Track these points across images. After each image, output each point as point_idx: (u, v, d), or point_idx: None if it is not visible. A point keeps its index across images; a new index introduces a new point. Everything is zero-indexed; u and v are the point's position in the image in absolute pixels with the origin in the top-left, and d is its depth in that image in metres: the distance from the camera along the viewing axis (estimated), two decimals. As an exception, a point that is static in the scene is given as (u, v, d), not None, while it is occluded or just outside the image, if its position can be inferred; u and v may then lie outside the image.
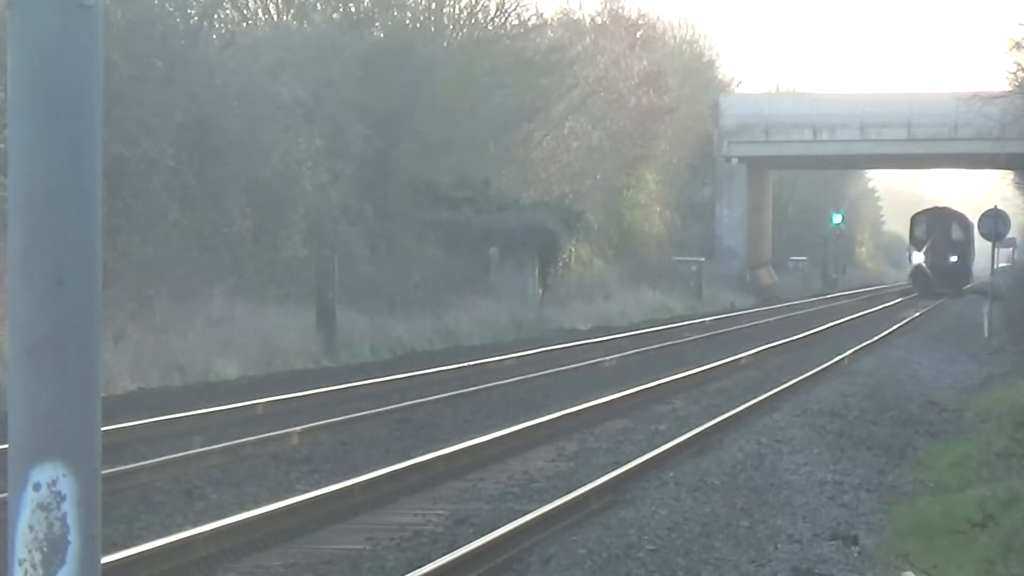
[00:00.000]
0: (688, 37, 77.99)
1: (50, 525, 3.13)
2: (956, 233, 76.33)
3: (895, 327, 44.93)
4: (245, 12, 42.01)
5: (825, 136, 68.87)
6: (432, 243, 40.32)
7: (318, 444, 17.72)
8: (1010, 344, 36.48)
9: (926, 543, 12.42)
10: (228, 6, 39.94)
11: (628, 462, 16.22)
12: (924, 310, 55.73)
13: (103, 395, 3.38)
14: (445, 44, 46.42)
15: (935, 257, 75.44)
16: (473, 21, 49.28)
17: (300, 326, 28.97)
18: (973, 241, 75.11)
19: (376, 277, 35.42)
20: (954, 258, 76.37)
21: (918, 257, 76.80)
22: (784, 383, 26.01)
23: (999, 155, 58.02)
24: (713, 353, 33.04)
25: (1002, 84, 50.83)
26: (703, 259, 62.08)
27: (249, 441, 17.01)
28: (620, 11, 65.16)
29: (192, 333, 25.71)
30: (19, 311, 3.14)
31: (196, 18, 33.81)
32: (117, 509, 12.88)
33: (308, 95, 35.39)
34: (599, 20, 64.40)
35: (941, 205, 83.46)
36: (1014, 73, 49.00)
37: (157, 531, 12.05)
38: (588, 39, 60.70)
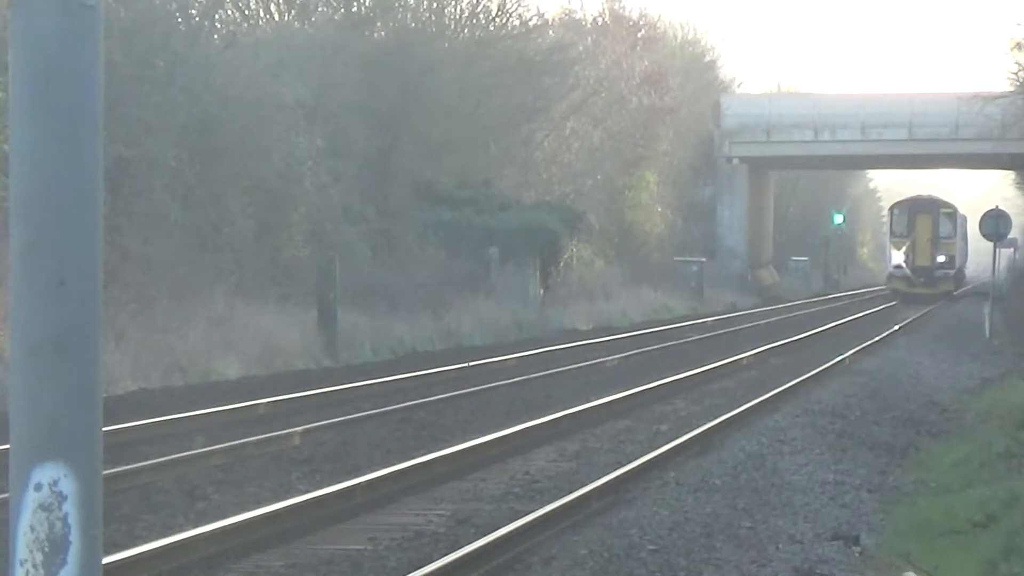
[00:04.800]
0: (689, 38, 78.06)
1: (51, 525, 3.13)
2: (944, 227, 65.93)
3: (896, 327, 44.93)
4: (246, 12, 42.00)
5: (826, 136, 68.80)
6: (433, 243, 40.33)
7: (319, 444, 17.72)
8: (1011, 345, 36.47)
9: (927, 543, 12.42)
10: (229, 6, 39.94)
11: (629, 462, 16.22)
12: (925, 311, 55.71)
13: (104, 395, 3.39)
14: (446, 44, 46.42)
15: (918, 257, 65.34)
16: (474, 21, 49.29)
17: (301, 326, 28.97)
18: (965, 237, 71.28)
19: (377, 277, 35.41)
20: (941, 258, 65.54)
21: (897, 257, 65.84)
22: (785, 383, 26.01)
23: (1000, 155, 58.03)
24: (714, 353, 33.04)
25: (1003, 84, 50.87)
26: (704, 259, 62.11)
27: (250, 441, 17.02)
28: (621, 11, 65.22)
29: (193, 333, 25.70)
30: (21, 311, 3.14)
31: (197, 18, 33.80)
32: (118, 509, 12.89)
33: (309, 95, 35.38)
34: (600, 20, 64.41)
35: (926, 194, 71.59)
36: (1015, 73, 49.01)
37: (158, 531, 12.05)
38: (589, 39, 60.72)
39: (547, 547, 11.84)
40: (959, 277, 69.95)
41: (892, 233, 66.87)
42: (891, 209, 68.89)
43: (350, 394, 22.95)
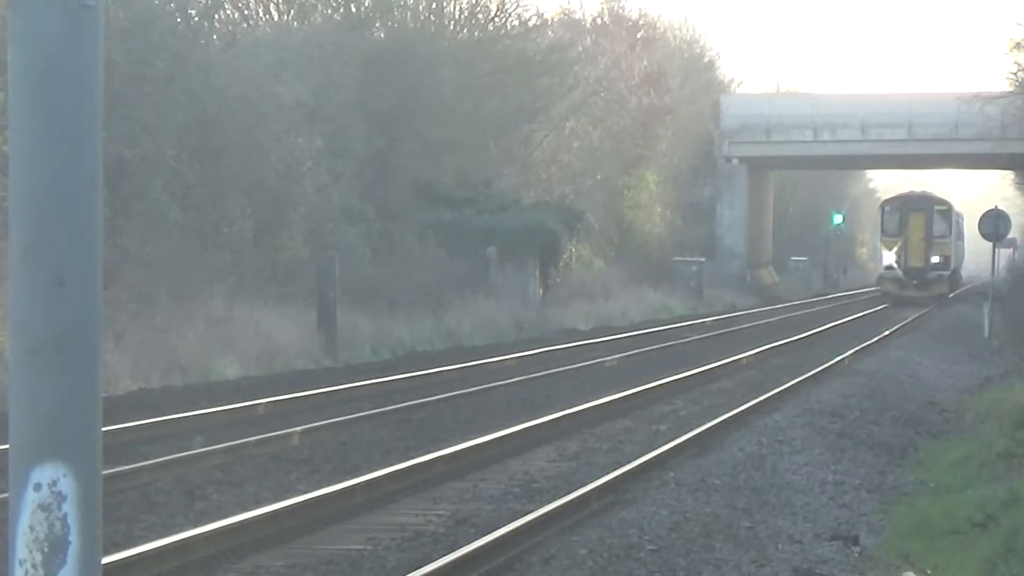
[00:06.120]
0: (689, 37, 78.04)
1: (51, 525, 3.13)
2: (938, 226, 62.08)
3: (896, 327, 44.93)
4: (246, 12, 42.01)
5: (826, 136, 68.67)
6: (433, 243, 40.32)
7: (319, 444, 17.72)
8: (1011, 345, 36.47)
9: (927, 543, 12.42)
10: (229, 6, 39.93)
11: (629, 462, 16.22)
12: (924, 311, 55.69)
13: (104, 395, 3.38)
14: (446, 44, 46.41)
15: (910, 257, 61.43)
16: (474, 21, 49.29)
17: (301, 326, 28.97)
18: (961, 236, 69.63)
19: (377, 277, 35.41)
20: (935, 258, 61.75)
21: (889, 257, 61.93)
22: (785, 383, 26.01)
23: (1000, 155, 57.99)
24: (714, 353, 33.04)
25: (1003, 84, 50.87)
26: (704, 259, 62.07)
27: (250, 441, 17.02)
28: (621, 11, 65.22)
29: (193, 333, 25.70)
30: (20, 311, 3.14)
31: (197, 18, 33.80)
32: (118, 509, 12.89)
33: (309, 95, 35.38)
34: (600, 20, 64.44)
35: (919, 190, 67.12)
36: (1015, 73, 49.03)
37: (158, 531, 12.05)
38: (589, 39, 60.73)
39: (546, 547, 11.84)
40: (954, 279, 66.55)
41: (883, 232, 63.11)
42: (882, 206, 65.22)
43: (349, 394, 22.94)
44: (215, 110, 31.52)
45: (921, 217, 62.02)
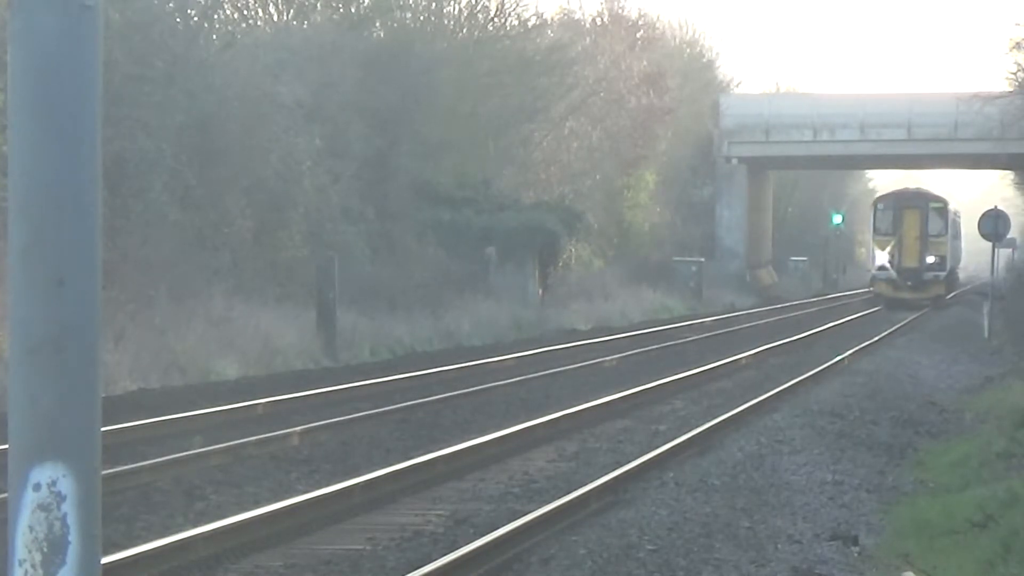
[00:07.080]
0: (688, 37, 78.03)
1: (50, 525, 3.13)
2: (933, 224, 59.09)
3: (895, 327, 44.93)
4: (245, 12, 42.00)
5: (825, 136, 68.58)
6: (432, 243, 40.32)
7: (318, 444, 17.72)
8: (1010, 345, 36.46)
9: (926, 543, 12.43)
10: (228, 6, 39.92)
11: (628, 462, 16.22)
12: (923, 311, 55.66)
13: (103, 395, 3.38)
14: (445, 44, 46.42)
15: (904, 257, 58.58)
16: (473, 21, 49.29)
17: (300, 326, 28.97)
18: (959, 235, 68.41)
19: (376, 277, 35.41)
20: (931, 258, 58.79)
21: (882, 257, 58.92)
22: (784, 383, 26.01)
23: (999, 155, 57.93)
24: (713, 353, 33.04)
25: (1002, 84, 50.82)
26: (703, 259, 62.04)
27: (249, 441, 17.02)
28: (620, 11, 65.20)
29: (192, 333, 25.70)
30: (20, 311, 3.14)
31: (196, 18, 33.78)
32: (117, 509, 12.88)
33: (308, 95, 35.37)
34: (599, 20, 64.43)
35: (913, 187, 64.85)
36: (1014, 73, 49.00)
37: (157, 531, 12.05)
38: (588, 39, 60.73)
39: (546, 547, 11.84)
40: (951, 280, 63.95)
41: (876, 231, 59.74)
42: (875, 203, 62.11)
43: (349, 394, 22.94)
44: (214, 110, 31.50)
45: (916, 215, 59.23)
